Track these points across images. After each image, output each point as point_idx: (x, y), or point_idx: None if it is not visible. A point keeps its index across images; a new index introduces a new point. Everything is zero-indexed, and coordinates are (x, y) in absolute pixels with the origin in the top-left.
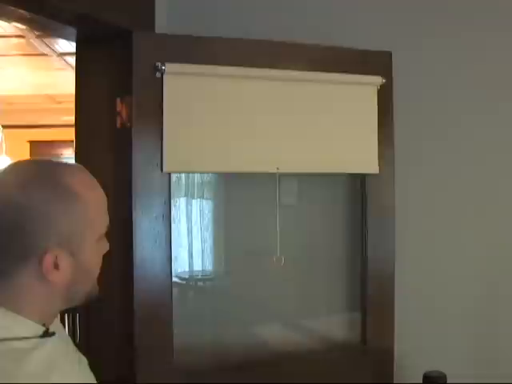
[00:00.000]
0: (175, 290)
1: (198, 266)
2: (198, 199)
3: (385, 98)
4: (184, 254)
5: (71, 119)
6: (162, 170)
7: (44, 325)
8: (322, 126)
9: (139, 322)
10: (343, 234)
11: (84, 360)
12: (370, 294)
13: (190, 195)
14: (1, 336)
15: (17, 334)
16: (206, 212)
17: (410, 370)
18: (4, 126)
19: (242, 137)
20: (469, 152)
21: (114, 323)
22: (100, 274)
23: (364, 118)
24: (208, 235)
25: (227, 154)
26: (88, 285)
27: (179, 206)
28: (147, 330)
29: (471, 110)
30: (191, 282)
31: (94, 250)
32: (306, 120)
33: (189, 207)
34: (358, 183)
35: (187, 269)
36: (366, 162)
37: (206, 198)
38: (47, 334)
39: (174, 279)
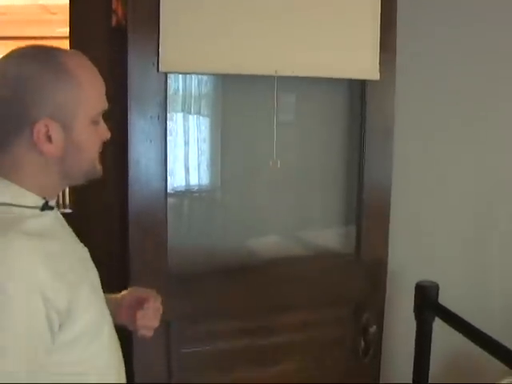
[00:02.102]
0: (171, 201)
1: (194, 179)
2: (195, 115)
3: (388, 1)
4: (180, 169)
5: (66, 31)
6: (158, 69)
7: (45, 198)
8: (322, 29)
9: (134, 225)
10: (341, 144)
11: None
12: (367, 204)
13: (186, 109)
14: (3, 201)
15: (19, 202)
16: (203, 127)
17: (403, 279)
18: None
19: (241, 37)
20: (479, 56)
21: (110, 229)
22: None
23: (365, 22)
24: (205, 147)
25: (225, 55)
26: (83, 164)
27: (176, 120)
28: (142, 234)
29: (481, 10)
30: (187, 194)
31: (87, 130)
32: (305, 22)
33: (185, 121)
34: (358, 92)
35: (183, 183)
36: (367, 67)
37: (203, 112)
38: (47, 206)
39: (170, 192)
